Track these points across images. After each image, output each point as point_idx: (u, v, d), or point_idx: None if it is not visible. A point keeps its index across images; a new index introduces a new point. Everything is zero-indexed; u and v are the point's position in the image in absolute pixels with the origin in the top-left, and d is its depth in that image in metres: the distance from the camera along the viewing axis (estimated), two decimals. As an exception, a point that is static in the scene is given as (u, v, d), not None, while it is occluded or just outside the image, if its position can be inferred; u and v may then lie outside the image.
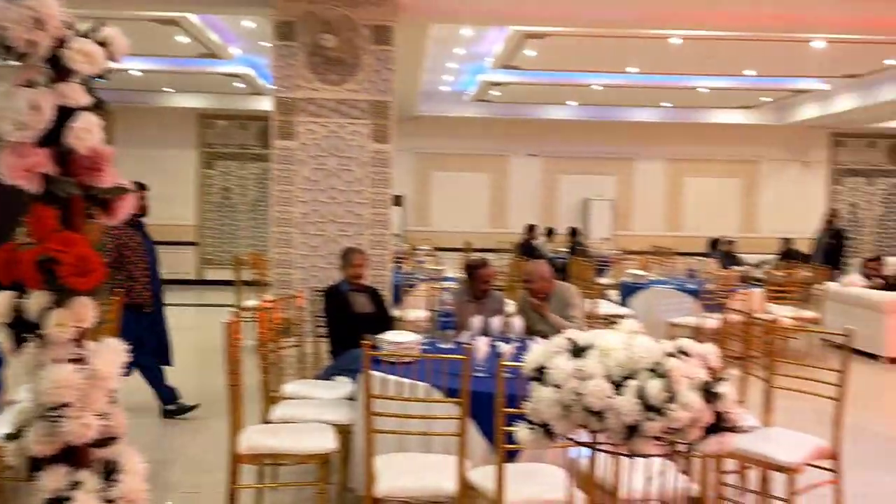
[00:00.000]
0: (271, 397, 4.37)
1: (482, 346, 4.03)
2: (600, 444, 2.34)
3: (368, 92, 6.90)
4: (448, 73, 12.32)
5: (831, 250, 12.04)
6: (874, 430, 6.02)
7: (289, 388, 4.60)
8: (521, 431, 2.37)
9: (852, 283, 9.69)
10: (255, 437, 3.71)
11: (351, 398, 4.25)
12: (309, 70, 6.89)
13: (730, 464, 3.98)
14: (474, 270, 5.47)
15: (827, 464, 3.81)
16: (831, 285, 9.94)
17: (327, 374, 4.94)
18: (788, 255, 13.35)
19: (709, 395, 2.22)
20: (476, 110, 15.06)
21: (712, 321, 7.39)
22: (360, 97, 6.90)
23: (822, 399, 3.83)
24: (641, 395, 2.18)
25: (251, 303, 8.13)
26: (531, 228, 13.98)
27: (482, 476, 3.17)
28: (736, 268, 11.43)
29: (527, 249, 12.96)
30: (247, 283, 8.98)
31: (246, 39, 10.16)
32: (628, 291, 9.42)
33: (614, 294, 9.94)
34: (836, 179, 16.38)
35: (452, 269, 10.29)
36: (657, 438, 2.21)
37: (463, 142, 15.80)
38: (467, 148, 15.87)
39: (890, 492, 4.74)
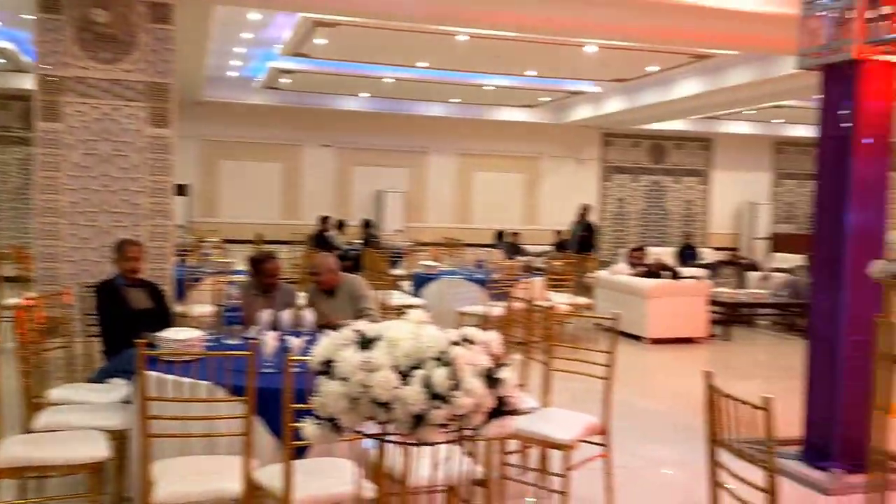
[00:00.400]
0: (35, 404, 3.98)
1: (271, 340, 3.91)
2: (388, 434, 2.34)
3: (145, 73, 6.46)
4: (236, 57, 11.87)
5: (584, 241, 13.25)
6: (639, 405, 6.60)
7: (56, 393, 4.22)
8: (308, 427, 2.32)
9: (619, 271, 10.56)
10: (13, 449, 3.36)
11: (127, 401, 3.96)
12: (78, 46, 6.34)
13: (512, 445, 4.17)
14: (258, 265, 5.30)
15: (598, 439, 4.11)
16: (602, 273, 10.77)
17: (100, 377, 4.57)
18: (561, 245, 14.35)
19: (491, 380, 2.29)
20: (266, 98, 14.66)
21: (498, 309, 7.73)
22: (136, 78, 6.45)
23: (594, 378, 4.12)
24: (427, 384, 2.20)
25: (12, 301, 7.38)
26: (324, 220, 13.87)
27: (269, 475, 3.08)
28: (519, 258, 12.08)
29: (320, 241, 12.85)
30: (8, 279, 8.17)
31: (5, 11, 9.15)
32: (420, 282, 9.62)
33: (407, 285, 10.11)
34: (606, 176, 17.77)
35: (242, 261, 9.93)
36: (443, 425, 2.25)
37: (253, 130, 15.34)
38: (258, 136, 15.43)
39: (653, 461, 5.22)
